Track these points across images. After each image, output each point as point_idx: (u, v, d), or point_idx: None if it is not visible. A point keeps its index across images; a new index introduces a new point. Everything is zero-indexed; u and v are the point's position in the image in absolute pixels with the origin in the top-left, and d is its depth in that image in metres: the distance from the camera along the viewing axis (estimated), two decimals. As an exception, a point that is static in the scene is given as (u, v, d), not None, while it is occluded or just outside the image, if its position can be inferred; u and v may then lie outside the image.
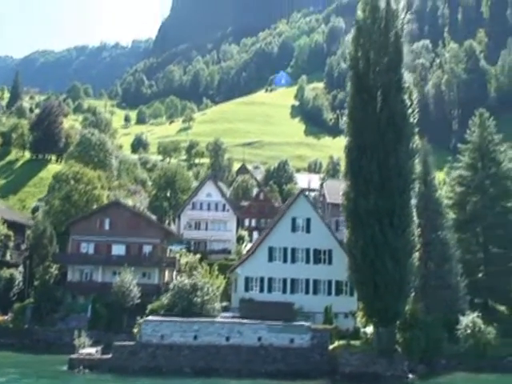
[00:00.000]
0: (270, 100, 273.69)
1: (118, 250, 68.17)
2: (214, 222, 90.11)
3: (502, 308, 63.04)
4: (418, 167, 50.90)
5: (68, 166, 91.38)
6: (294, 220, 57.43)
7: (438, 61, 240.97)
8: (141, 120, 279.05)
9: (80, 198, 79.97)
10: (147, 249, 68.56)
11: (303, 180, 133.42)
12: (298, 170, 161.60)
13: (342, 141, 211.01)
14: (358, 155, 46.88)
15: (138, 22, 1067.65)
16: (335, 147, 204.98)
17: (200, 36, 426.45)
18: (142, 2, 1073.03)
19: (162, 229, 73.81)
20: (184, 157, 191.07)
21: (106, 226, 69.24)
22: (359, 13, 49.62)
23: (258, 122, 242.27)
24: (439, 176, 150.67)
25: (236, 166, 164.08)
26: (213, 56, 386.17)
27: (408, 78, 49.95)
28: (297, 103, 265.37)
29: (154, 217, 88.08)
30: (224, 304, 58.92)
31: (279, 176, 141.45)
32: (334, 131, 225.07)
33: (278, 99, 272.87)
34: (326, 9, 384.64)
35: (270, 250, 57.15)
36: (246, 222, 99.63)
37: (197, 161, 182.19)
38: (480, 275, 63.26)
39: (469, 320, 50.53)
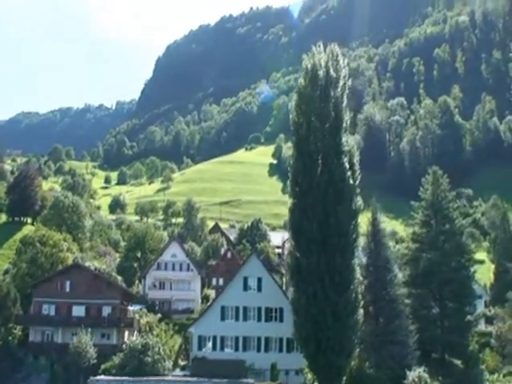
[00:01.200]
0: (249, 159, 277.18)
1: (78, 311, 68.84)
2: (178, 282, 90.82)
3: (458, 362, 63.47)
4: (366, 225, 52.44)
5: (35, 230, 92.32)
6: (245, 279, 58.38)
7: (412, 117, 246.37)
8: (121, 181, 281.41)
9: (46, 261, 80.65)
10: (107, 310, 69.21)
11: (277, 238, 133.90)
12: (274, 228, 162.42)
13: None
14: (300, 216, 48.50)
15: (122, 83, 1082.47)
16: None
17: (182, 97, 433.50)
18: (125, 64, 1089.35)
19: (122, 290, 74.65)
20: (161, 217, 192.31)
21: (67, 288, 70.07)
22: (300, 80, 51.91)
23: (236, 180, 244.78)
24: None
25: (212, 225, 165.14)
26: (194, 116, 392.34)
27: (350, 141, 51.87)
28: (274, 162, 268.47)
29: (120, 278, 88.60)
30: (182, 363, 59.13)
31: (253, 234, 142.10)
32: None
33: (257, 158, 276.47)
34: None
35: (223, 308, 57.87)
36: (214, 281, 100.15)
37: (174, 220, 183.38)
38: (436, 330, 63.88)
39: (415, 375, 51.05)
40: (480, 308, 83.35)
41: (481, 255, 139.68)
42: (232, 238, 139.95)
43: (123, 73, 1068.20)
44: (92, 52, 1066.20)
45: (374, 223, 60.32)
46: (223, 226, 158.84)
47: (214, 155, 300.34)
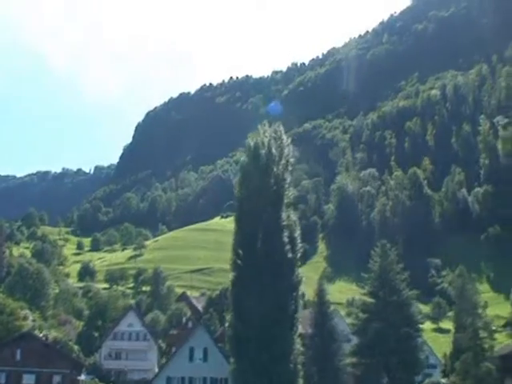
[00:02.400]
0: (224, 226, 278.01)
1: (29, 379, 69.16)
2: (134, 352, 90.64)
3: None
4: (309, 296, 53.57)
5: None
6: (191, 350, 59.02)
7: (383, 188, 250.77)
8: (95, 247, 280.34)
9: (2, 328, 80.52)
10: (57, 379, 69.39)
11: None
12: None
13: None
14: (240, 289, 49.78)
15: (101, 147, 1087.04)
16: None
17: (160, 163, 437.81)
18: (105, 128, 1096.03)
19: (72, 359, 74.77)
20: (131, 284, 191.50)
21: (18, 357, 69.99)
22: (243, 157, 54.22)
23: (209, 248, 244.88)
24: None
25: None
26: (171, 183, 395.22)
27: (292, 216, 53.77)
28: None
29: (77, 347, 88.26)
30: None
31: (221, 303, 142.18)
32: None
33: (231, 225, 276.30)
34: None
35: (168, 379, 58.28)
36: (174, 350, 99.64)
37: (144, 288, 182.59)
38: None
39: None
40: (436, 378, 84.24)
41: (447, 325, 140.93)
42: (200, 306, 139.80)
43: (102, 137, 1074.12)
44: (71, 116, 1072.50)
45: (320, 294, 61.79)
46: (194, 294, 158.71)
47: (189, 222, 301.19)
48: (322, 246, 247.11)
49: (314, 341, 58.12)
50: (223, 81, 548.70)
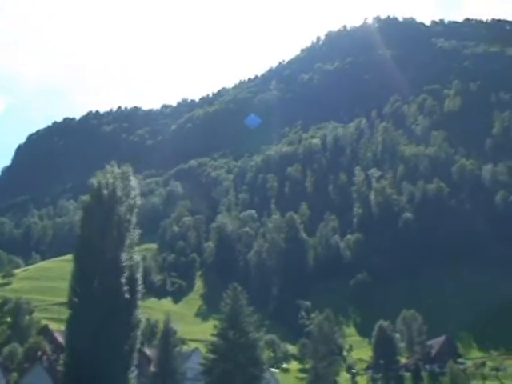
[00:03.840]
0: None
1: None
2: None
3: None
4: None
5: None
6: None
7: (262, 230, 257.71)
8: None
9: None
10: None
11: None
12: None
13: (168, 302, 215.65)
14: (74, 328, 50.13)
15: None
16: (160, 309, 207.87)
17: (39, 189, 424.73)
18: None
19: None
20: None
21: None
22: (86, 196, 54.97)
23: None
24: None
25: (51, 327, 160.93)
26: (49, 210, 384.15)
27: (135, 256, 54.52)
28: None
29: None
30: None
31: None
32: (161, 293, 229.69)
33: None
34: (166, 173, 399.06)
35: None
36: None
37: (8, 319, 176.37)
38: None
39: None
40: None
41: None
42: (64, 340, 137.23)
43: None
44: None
45: (166, 334, 63.82)
46: (62, 327, 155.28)
47: (65, 252, 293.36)
48: (198, 284, 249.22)
49: (155, 380, 59.86)
50: (111, 109, 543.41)
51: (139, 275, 53.30)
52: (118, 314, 49.95)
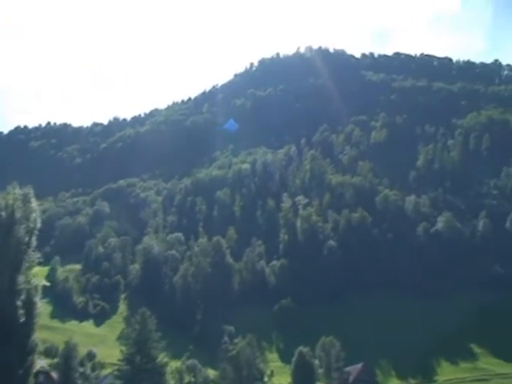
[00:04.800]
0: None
1: None
2: None
3: None
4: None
5: None
6: None
7: (188, 253, 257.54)
8: None
9: None
10: None
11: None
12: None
13: (89, 325, 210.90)
14: None
15: None
16: (80, 332, 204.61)
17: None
18: None
19: None
20: None
21: None
22: None
23: None
24: (176, 364, 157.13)
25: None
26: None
27: (34, 280, 54.19)
28: (48, 284, 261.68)
29: None
30: None
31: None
32: (82, 315, 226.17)
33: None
34: (93, 192, 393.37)
35: None
36: None
37: None
38: None
39: None
40: None
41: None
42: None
43: None
44: None
45: (67, 356, 63.70)
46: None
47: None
48: (122, 307, 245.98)
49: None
50: (40, 125, 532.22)
51: (37, 298, 52.69)
52: (13, 338, 49.23)
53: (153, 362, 70.71)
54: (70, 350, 62.68)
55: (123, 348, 73.27)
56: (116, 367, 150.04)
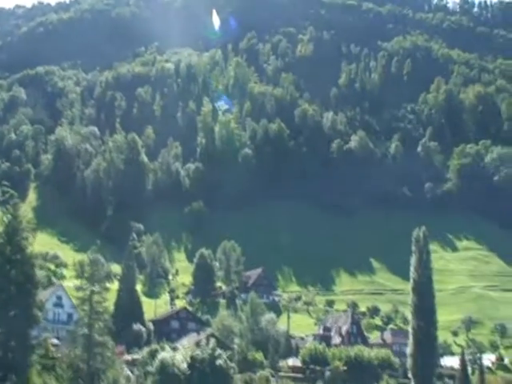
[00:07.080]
0: None
1: None
2: None
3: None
4: None
5: None
6: None
7: (103, 148, 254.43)
8: None
9: None
10: None
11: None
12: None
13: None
14: None
15: None
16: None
17: None
18: None
19: None
20: None
21: None
22: None
23: None
24: (80, 257, 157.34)
25: None
26: None
27: None
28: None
29: None
30: None
31: None
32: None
33: None
34: (11, 76, 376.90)
35: None
36: None
37: None
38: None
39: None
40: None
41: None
42: None
43: None
44: None
45: None
46: None
47: None
48: (32, 196, 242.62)
49: None
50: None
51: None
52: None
53: (22, 253, 70.60)
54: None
55: None
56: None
